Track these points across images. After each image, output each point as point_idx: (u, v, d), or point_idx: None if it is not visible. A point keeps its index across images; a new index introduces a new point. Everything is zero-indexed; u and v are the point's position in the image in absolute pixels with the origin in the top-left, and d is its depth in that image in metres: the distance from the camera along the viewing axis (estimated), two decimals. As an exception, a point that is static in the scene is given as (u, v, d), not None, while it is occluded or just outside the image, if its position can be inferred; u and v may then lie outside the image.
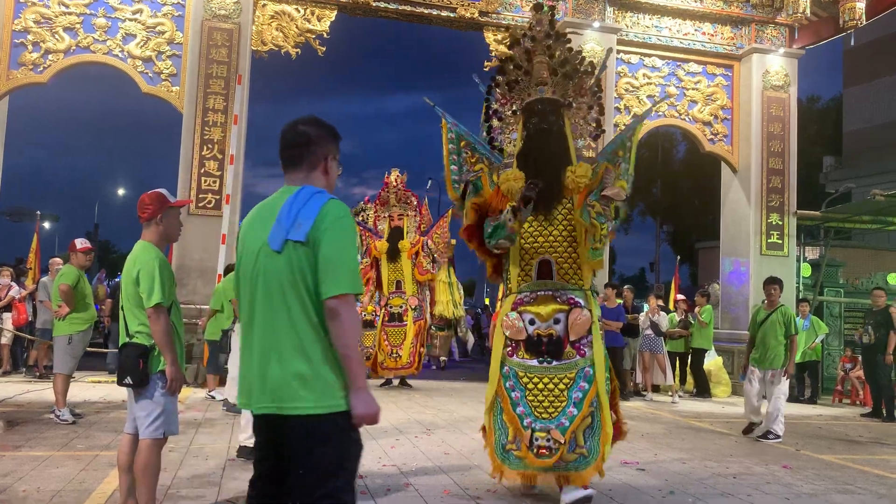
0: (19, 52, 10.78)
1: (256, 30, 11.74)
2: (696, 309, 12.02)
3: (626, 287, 12.80)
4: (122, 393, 3.98)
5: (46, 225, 30.81)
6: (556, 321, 4.70)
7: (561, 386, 4.61)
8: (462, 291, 13.52)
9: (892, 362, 10.42)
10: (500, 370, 4.76)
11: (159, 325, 3.69)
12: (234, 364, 7.35)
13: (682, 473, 5.94)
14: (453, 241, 12.46)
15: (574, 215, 4.77)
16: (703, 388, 12.11)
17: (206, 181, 11.10)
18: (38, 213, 15.18)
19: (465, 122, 5.36)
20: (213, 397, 9.00)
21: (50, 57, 10.89)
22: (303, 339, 2.33)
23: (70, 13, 10.96)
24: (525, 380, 4.66)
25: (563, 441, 4.46)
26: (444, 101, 5.22)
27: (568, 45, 5.17)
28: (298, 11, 11.90)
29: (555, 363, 4.65)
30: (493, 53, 12.31)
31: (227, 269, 9.89)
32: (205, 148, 11.13)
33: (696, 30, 13.40)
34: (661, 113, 13.34)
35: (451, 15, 12.19)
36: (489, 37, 12.44)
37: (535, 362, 4.67)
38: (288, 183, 2.52)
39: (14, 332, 10.95)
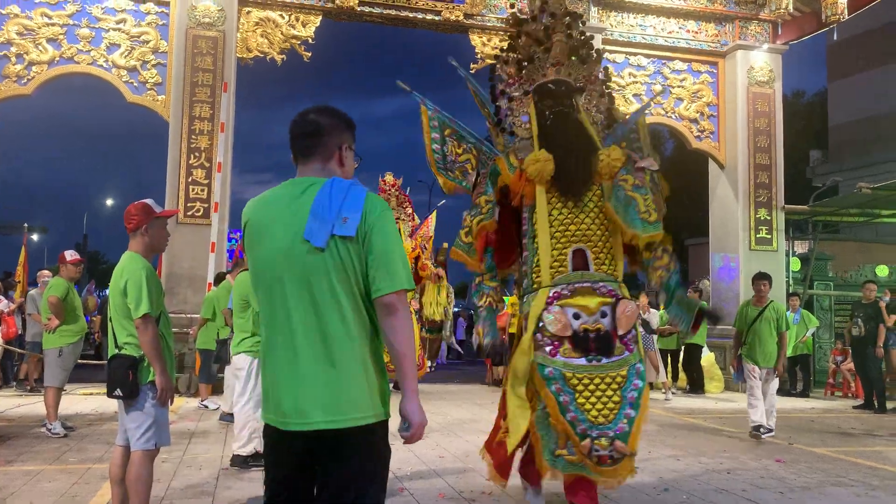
0: (2, 64, 10.70)
1: (241, 37, 11.71)
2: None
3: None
4: (114, 405, 3.95)
5: (35, 237, 30.62)
6: (603, 314, 4.29)
7: (614, 385, 4.22)
8: (452, 296, 13.51)
9: (882, 355, 10.51)
10: (540, 372, 4.24)
11: (147, 336, 3.67)
12: (230, 373, 7.33)
13: (677, 470, 5.96)
14: (445, 245, 12.46)
15: (605, 204, 4.46)
16: (697, 385, 12.14)
17: (193, 189, 11.06)
18: (26, 225, 15.12)
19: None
20: (206, 406, 8.96)
21: (34, 69, 10.82)
22: (357, 341, 2.20)
23: (53, 24, 10.89)
24: (574, 381, 4.18)
25: (627, 452, 4.16)
26: (431, 103, 5.13)
27: (583, 28, 4.98)
28: (283, 18, 11.87)
29: (605, 360, 4.22)
30: (479, 55, 12.33)
31: (217, 278, 9.86)
32: (192, 156, 11.08)
33: (680, 28, 13.44)
34: (647, 111, 13.37)
35: (436, 18, 12.19)
36: (475, 39, 12.44)
37: (582, 361, 4.22)
38: (301, 174, 2.36)
39: (3, 345, 10.88)
